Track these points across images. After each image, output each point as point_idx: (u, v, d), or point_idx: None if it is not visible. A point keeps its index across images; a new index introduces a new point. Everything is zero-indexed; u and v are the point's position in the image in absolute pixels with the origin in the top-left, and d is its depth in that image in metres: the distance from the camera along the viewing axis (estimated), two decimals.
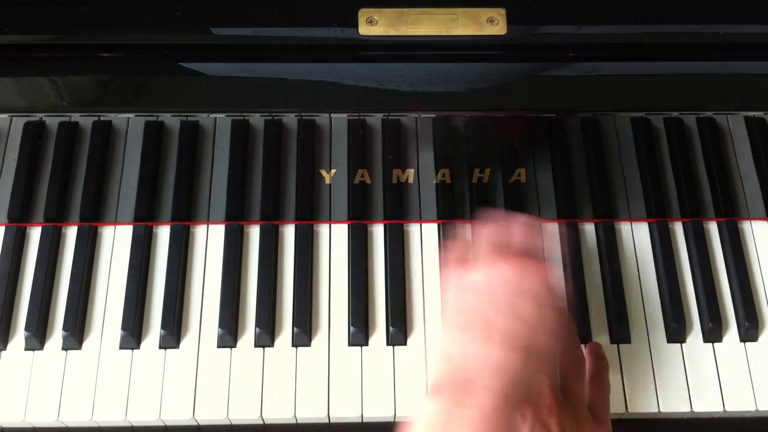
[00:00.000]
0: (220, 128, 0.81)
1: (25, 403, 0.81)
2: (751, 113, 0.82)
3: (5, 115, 0.79)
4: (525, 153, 0.84)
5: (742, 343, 0.85)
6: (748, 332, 0.85)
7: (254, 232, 0.89)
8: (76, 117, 0.80)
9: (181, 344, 0.84)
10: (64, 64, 0.75)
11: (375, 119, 0.81)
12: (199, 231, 0.89)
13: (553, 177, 0.86)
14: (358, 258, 0.87)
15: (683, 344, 0.85)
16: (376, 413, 0.81)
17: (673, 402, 0.82)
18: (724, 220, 0.90)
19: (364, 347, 0.84)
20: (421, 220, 0.90)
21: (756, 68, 0.77)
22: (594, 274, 0.88)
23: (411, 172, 0.84)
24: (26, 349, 0.84)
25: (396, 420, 0.82)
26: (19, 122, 0.81)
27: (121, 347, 0.84)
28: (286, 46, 0.76)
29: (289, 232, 0.89)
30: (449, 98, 0.75)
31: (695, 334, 0.86)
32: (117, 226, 0.89)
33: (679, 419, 0.83)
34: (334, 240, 0.89)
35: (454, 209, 0.88)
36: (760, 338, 0.86)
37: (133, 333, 0.83)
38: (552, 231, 0.90)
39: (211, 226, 0.90)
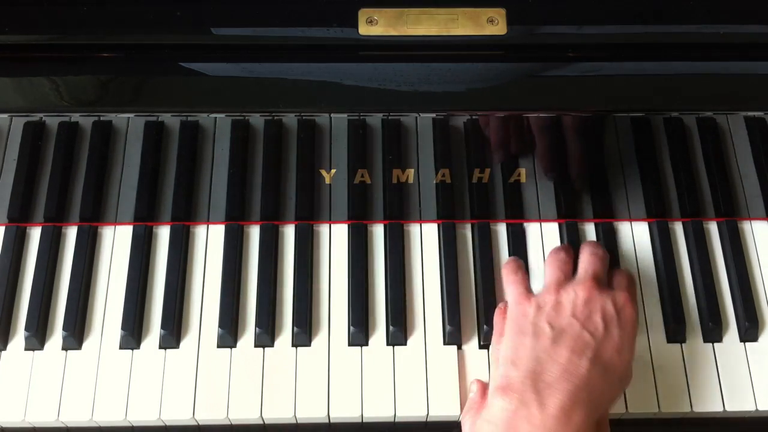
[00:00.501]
0: (220, 128, 0.81)
1: (25, 403, 0.81)
2: (751, 113, 0.82)
3: (5, 115, 0.79)
4: (525, 153, 0.84)
5: (743, 343, 0.85)
6: (748, 332, 0.85)
7: (254, 232, 0.89)
8: (76, 117, 0.80)
9: (181, 344, 0.84)
10: (64, 64, 0.75)
11: (375, 119, 0.81)
12: (199, 231, 0.89)
13: (553, 177, 0.86)
14: (358, 258, 0.87)
15: (683, 344, 0.85)
16: (376, 413, 0.81)
17: (673, 402, 0.82)
18: (724, 220, 0.90)
19: (364, 347, 0.84)
20: (421, 220, 0.90)
21: (756, 68, 0.77)
22: None
23: (411, 172, 0.84)
24: (26, 349, 0.84)
25: (396, 420, 0.82)
26: (19, 122, 0.81)
27: (121, 347, 0.84)
28: (286, 46, 0.76)
29: (289, 232, 0.89)
30: (449, 98, 0.75)
31: (695, 334, 0.86)
32: (117, 226, 0.89)
33: (680, 419, 0.83)
34: (334, 240, 0.89)
35: (454, 209, 0.88)
36: (760, 338, 0.86)
37: (133, 333, 0.83)
38: (552, 231, 0.90)
39: (211, 226, 0.90)
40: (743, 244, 0.90)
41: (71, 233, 0.89)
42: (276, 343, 0.84)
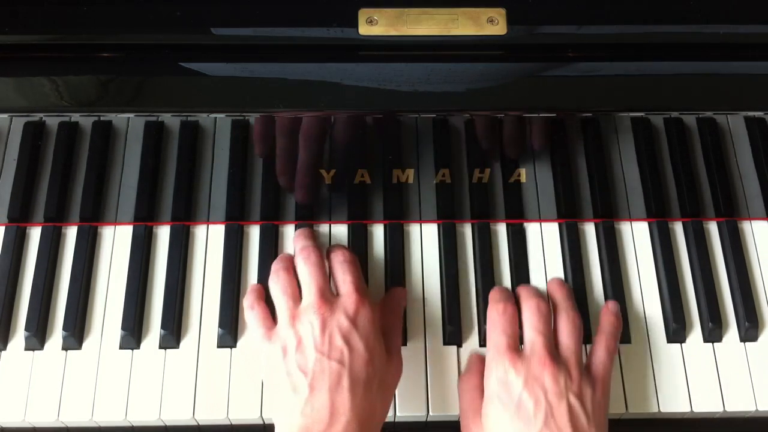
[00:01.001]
0: (220, 128, 0.81)
1: (25, 403, 0.81)
2: (751, 113, 0.82)
3: (5, 115, 0.79)
4: (525, 153, 0.84)
5: (742, 343, 0.85)
6: (748, 332, 0.85)
7: (254, 232, 0.89)
8: (76, 117, 0.80)
9: (181, 344, 0.84)
10: (64, 64, 0.75)
11: (374, 119, 0.81)
12: (199, 231, 0.89)
13: (553, 177, 0.86)
14: (358, 257, 0.87)
15: (683, 344, 0.85)
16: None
17: (673, 402, 0.82)
18: (724, 220, 0.90)
19: None
20: (421, 220, 0.90)
21: (756, 68, 0.77)
22: (594, 274, 0.88)
23: (411, 172, 0.84)
24: (26, 349, 0.84)
25: (396, 420, 0.82)
26: (19, 122, 0.81)
27: (121, 347, 0.84)
28: (286, 46, 0.76)
29: (289, 232, 0.89)
30: (449, 98, 0.75)
31: (695, 334, 0.86)
32: (117, 226, 0.89)
33: (679, 419, 0.83)
34: (334, 240, 0.89)
35: (454, 209, 0.88)
36: (760, 338, 0.86)
37: (133, 333, 0.83)
38: (552, 231, 0.90)
39: (211, 226, 0.90)
40: (743, 244, 0.90)
41: (71, 233, 0.89)
42: None
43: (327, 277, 0.80)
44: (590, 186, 0.87)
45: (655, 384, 0.83)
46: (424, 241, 0.89)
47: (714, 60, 0.77)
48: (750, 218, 0.91)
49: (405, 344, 0.84)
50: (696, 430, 0.84)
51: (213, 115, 0.79)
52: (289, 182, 0.84)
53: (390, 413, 0.81)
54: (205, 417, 0.81)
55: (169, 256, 0.87)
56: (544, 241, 0.90)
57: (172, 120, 0.81)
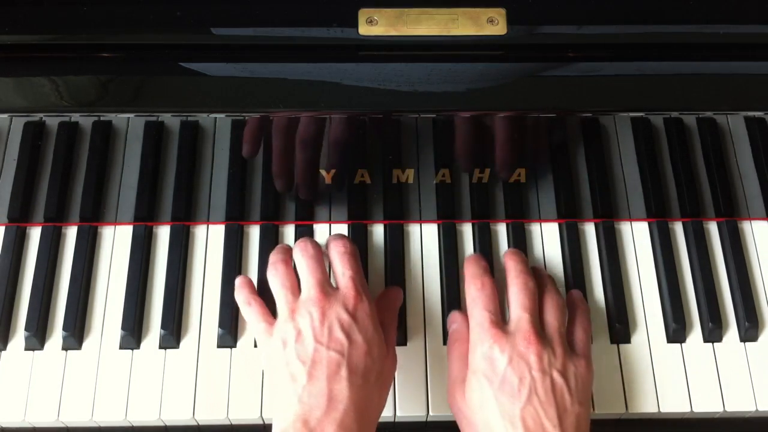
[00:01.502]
0: (220, 128, 0.81)
1: (25, 403, 0.81)
2: (751, 113, 0.82)
3: (5, 115, 0.79)
4: (525, 153, 0.84)
5: (742, 343, 0.85)
6: (748, 332, 0.85)
7: (254, 232, 0.89)
8: (76, 117, 0.80)
9: (181, 344, 0.84)
10: (64, 64, 0.75)
11: (374, 119, 0.81)
12: (199, 231, 0.89)
13: (553, 177, 0.86)
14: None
15: (683, 344, 0.85)
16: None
17: (672, 402, 0.82)
18: (724, 220, 0.90)
19: None
20: (421, 220, 0.90)
21: (756, 68, 0.77)
22: (594, 274, 0.88)
23: (411, 172, 0.84)
24: (26, 349, 0.84)
25: (396, 420, 0.82)
26: (19, 122, 0.81)
27: (121, 347, 0.84)
28: (286, 46, 0.76)
29: (289, 233, 0.89)
30: (449, 98, 0.75)
31: (695, 334, 0.86)
32: (117, 226, 0.89)
33: (679, 419, 0.83)
34: None
35: (454, 209, 0.88)
36: (760, 338, 0.86)
37: (133, 333, 0.83)
38: (552, 231, 0.90)
39: (211, 226, 0.90)
40: (743, 244, 0.90)
41: (71, 233, 0.89)
42: None
43: (326, 270, 0.80)
44: (590, 186, 0.87)
45: (655, 384, 0.83)
46: (424, 241, 0.89)
47: (714, 60, 0.77)
48: (750, 218, 0.91)
49: (405, 344, 0.84)
50: (696, 430, 0.84)
51: (213, 115, 0.79)
52: (289, 182, 0.84)
53: (390, 413, 0.81)
54: (205, 417, 0.81)
55: (169, 256, 0.87)
56: (544, 241, 0.90)
57: (172, 120, 0.81)
